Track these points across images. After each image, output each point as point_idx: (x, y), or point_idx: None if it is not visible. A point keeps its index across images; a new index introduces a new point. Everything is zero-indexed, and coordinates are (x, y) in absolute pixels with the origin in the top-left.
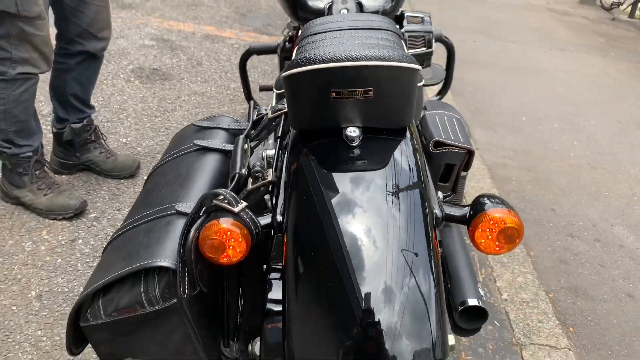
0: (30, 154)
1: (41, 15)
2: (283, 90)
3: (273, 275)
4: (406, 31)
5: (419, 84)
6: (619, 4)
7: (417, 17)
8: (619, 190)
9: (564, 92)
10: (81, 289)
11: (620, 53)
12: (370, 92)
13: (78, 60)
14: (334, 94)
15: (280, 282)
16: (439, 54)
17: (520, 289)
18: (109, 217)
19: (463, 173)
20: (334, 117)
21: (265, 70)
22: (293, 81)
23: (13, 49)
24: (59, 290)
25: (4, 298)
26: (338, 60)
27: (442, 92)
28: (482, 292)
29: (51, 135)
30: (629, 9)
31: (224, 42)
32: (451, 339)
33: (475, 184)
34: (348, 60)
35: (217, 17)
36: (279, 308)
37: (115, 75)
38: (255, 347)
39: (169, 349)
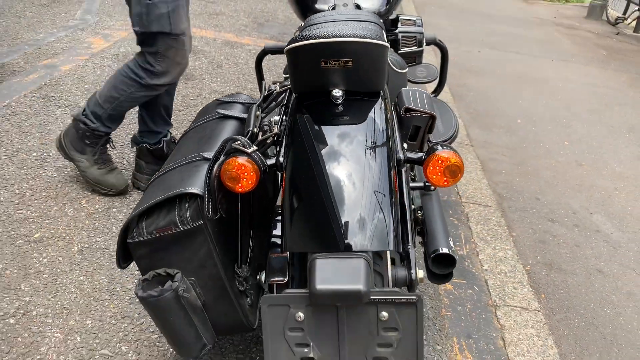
0: (103, 134)
1: (186, 32)
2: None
3: (277, 218)
4: (400, 32)
5: (401, 71)
6: (624, 19)
7: (410, 20)
8: (602, 185)
9: (562, 99)
10: (116, 247)
11: (621, 64)
12: (350, 62)
13: None
14: (323, 63)
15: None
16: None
17: (500, 262)
18: (140, 192)
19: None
20: (323, 81)
21: (279, 73)
22: (293, 53)
23: (157, 64)
24: (97, 247)
25: (51, 251)
26: (325, 37)
27: (437, 90)
28: (452, 245)
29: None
30: (634, 23)
31: (243, 48)
32: (420, 273)
33: (466, 174)
34: (333, 37)
35: (237, 26)
36: (280, 242)
37: None
38: (262, 277)
39: (194, 262)
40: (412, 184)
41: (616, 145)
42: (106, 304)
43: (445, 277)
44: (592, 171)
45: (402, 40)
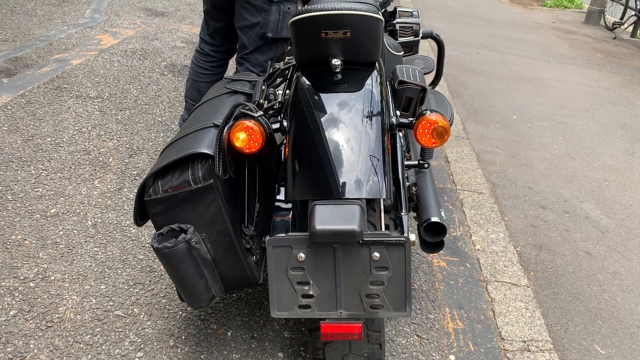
0: None
1: None
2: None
3: (281, 184)
4: (397, 22)
5: (397, 54)
6: (621, 24)
7: (407, 11)
8: (593, 176)
9: (557, 98)
10: (128, 223)
11: (617, 67)
12: (348, 33)
13: None
14: (323, 34)
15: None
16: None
17: (492, 242)
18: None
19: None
20: (324, 51)
21: None
22: (296, 25)
23: (267, 67)
24: (110, 222)
25: (67, 224)
26: (325, 10)
27: (434, 82)
28: (443, 215)
29: None
30: (631, 28)
31: None
32: (412, 236)
33: (462, 164)
34: (332, 10)
35: None
36: (283, 205)
37: (152, 69)
38: (266, 239)
39: (205, 218)
40: (406, 162)
41: (608, 141)
42: (119, 272)
43: (437, 246)
44: (584, 164)
45: (399, 30)
